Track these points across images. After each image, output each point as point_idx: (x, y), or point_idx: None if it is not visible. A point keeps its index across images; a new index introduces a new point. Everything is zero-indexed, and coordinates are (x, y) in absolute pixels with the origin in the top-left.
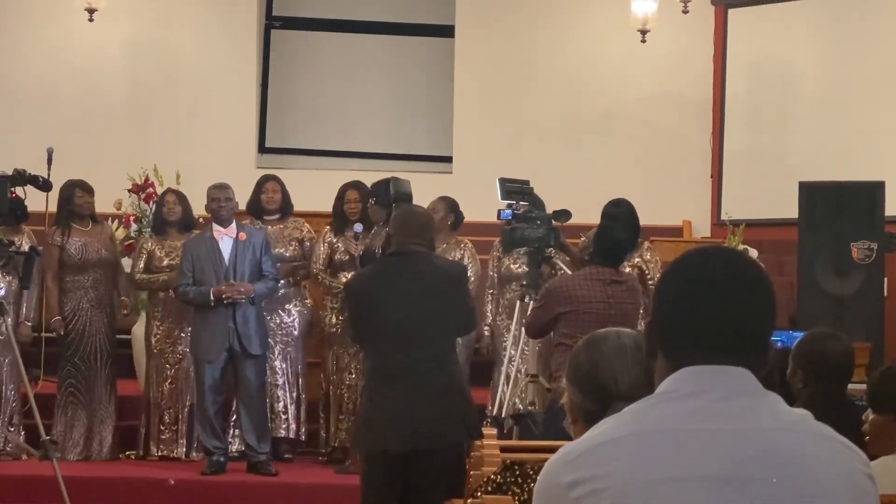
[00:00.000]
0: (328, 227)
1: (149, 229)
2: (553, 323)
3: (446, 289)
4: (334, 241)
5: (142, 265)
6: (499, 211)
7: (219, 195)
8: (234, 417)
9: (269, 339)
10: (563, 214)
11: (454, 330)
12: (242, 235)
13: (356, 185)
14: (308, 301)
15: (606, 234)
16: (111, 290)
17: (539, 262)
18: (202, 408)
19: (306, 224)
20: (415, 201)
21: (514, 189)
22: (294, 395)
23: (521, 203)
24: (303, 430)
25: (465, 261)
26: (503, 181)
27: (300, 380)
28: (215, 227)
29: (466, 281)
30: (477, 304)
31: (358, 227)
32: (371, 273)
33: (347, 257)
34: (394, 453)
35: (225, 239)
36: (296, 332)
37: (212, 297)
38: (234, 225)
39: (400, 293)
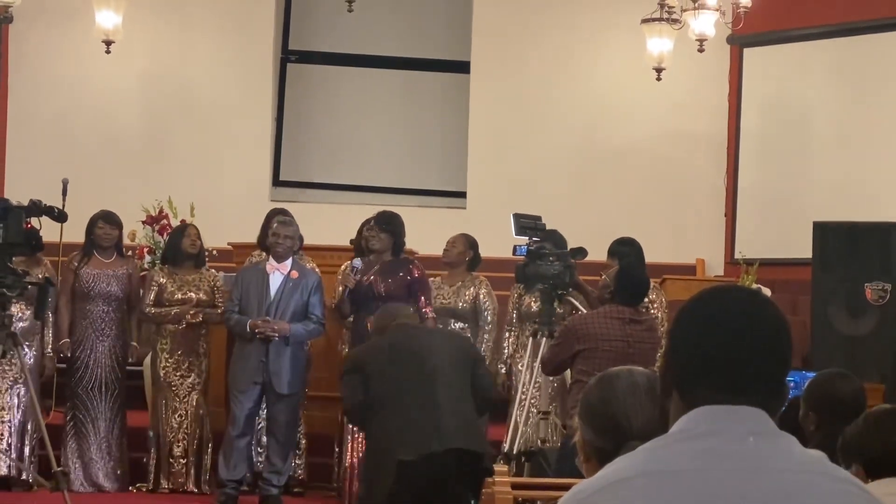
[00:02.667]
0: (349, 262)
1: (159, 261)
2: (571, 360)
3: (462, 366)
4: (341, 279)
5: (151, 298)
6: (515, 247)
7: (280, 231)
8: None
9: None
10: (580, 252)
11: (472, 402)
12: (294, 273)
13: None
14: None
15: (628, 274)
16: (119, 324)
17: (553, 299)
18: (228, 438)
19: (312, 262)
20: (428, 236)
21: (528, 224)
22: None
23: (534, 239)
24: (295, 462)
25: (482, 298)
26: (517, 217)
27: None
28: (270, 260)
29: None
30: (495, 339)
31: (357, 262)
32: (382, 345)
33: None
34: None
35: (276, 274)
36: None
37: (248, 330)
38: (289, 262)
39: (417, 365)
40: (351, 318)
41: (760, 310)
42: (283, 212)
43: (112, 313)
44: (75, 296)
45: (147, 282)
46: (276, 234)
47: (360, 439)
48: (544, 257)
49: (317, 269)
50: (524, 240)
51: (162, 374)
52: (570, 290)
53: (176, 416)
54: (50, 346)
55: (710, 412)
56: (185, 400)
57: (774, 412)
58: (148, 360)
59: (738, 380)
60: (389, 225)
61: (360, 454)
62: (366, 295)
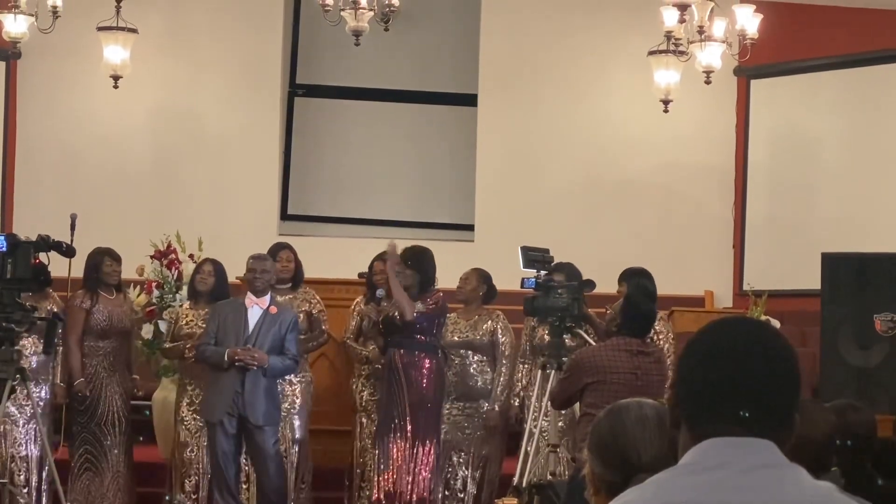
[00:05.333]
0: (362, 296)
1: (180, 297)
2: (579, 394)
3: None
4: (365, 310)
5: (169, 335)
6: (522, 279)
7: (255, 266)
8: (245, 484)
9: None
10: (588, 284)
11: None
12: (273, 309)
13: (383, 257)
14: (308, 374)
15: (634, 305)
16: (126, 357)
17: (561, 331)
18: (215, 471)
19: (317, 295)
20: (436, 269)
21: (536, 258)
22: (294, 463)
23: (542, 272)
24: (302, 496)
25: (499, 332)
26: (525, 249)
27: (298, 448)
28: (249, 295)
29: None
30: (510, 377)
31: (380, 291)
32: None
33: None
34: None
35: (255, 308)
36: (298, 402)
37: (226, 359)
38: (268, 297)
39: None
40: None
41: (768, 341)
42: (287, 246)
43: (122, 347)
44: (87, 334)
45: (169, 319)
46: (253, 270)
47: (388, 474)
48: (553, 290)
49: (322, 304)
50: (532, 272)
51: (176, 409)
52: (580, 322)
53: (187, 450)
54: (60, 379)
55: (719, 444)
56: (197, 434)
57: (784, 443)
58: (157, 394)
59: (746, 411)
60: (414, 261)
61: (388, 487)
62: (392, 327)
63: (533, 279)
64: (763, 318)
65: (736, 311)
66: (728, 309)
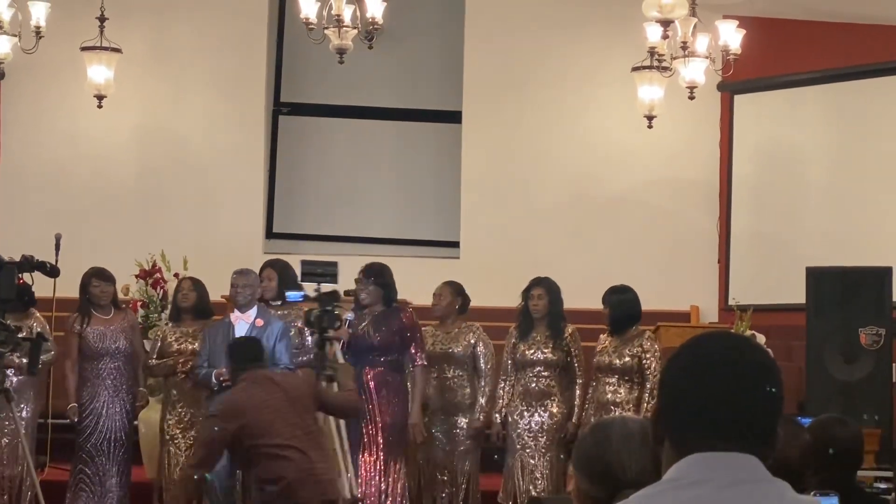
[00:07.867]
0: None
1: (165, 316)
2: (230, 441)
3: None
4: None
5: (155, 352)
6: (286, 293)
7: (237, 281)
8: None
9: None
10: (333, 296)
11: None
12: (259, 322)
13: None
14: None
15: (232, 347)
16: (129, 378)
17: (322, 343)
18: (210, 488)
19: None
20: (421, 286)
21: (314, 270)
22: None
23: (325, 284)
24: None
25: (480, 345)
26: (305, 263)
27: None
28: (235, 312)
29: None
30: (493, 388)
31: (349, 315)
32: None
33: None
34: None
35: (241, 324)
36: None
37: (213, 381)
38: (253, 311)
39: None
40: None
41: (750, 355)
42: (271, 264)
43: (122, 368)
44: (83, 356)
45: (153, 337)
46: (235, 286)
47: (360, 489)
48: (330, 302)
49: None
50: (312, 285)
51: (166, 427)
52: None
53: (178, 469)
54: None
55: (702, 459)
56: (187, 453)
57: (766, 458)
58: (143, 413)
59: (729, 426)
60: (378, 277)
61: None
62: (362, 347)
63: (297, 294)
64: (748, 332)
65: (721, 326)
66: (713, 324)
